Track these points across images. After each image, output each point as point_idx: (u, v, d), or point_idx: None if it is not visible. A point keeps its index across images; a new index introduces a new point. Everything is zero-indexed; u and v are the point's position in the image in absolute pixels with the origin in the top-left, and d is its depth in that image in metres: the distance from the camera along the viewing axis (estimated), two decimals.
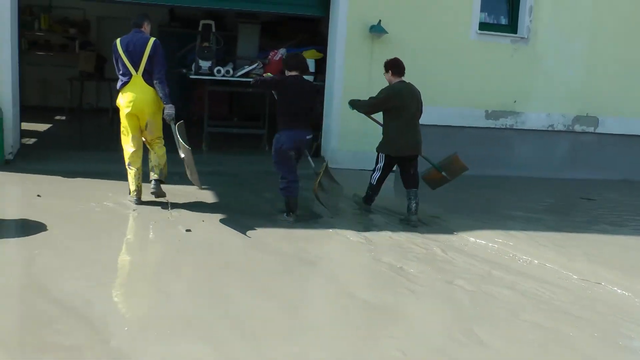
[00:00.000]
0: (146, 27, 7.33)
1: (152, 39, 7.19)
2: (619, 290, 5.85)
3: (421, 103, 7.89)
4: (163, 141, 7.45)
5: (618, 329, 5.01)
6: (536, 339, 4.68)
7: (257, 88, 8.06)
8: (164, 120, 7.32)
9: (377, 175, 7.83)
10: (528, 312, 5.14)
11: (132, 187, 7.32)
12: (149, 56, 7.08)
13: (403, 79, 7.81)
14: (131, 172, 7.29)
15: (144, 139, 7.38)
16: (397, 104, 7.63)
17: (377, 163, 7.86)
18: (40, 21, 15.14)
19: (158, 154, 7.38)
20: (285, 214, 7.25)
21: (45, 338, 4.12)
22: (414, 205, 7.58)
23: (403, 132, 7.65)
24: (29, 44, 14.97)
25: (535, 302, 5.36)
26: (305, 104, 7.28)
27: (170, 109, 7.17)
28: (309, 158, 7.49)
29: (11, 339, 4.15)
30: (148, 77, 7.13)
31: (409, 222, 7.51)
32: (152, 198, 7.30)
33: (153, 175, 7.35)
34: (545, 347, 4.57)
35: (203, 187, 7.97)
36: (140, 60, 7.08)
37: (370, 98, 7.90)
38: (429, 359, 4.22)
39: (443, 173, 8.13)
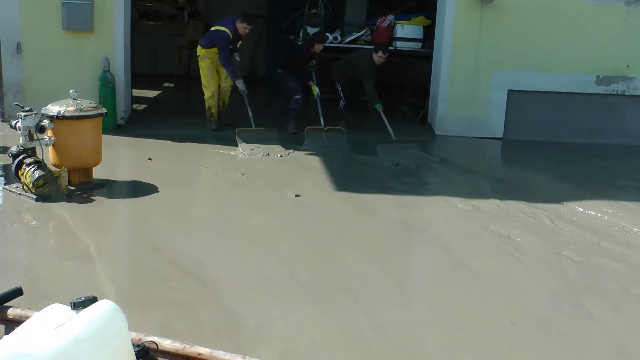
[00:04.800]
0: (238, 23, 9.37)
1: (216, 27, 9.49)
2: None
3: None
4: (206, 92, 9.79)
5: None
6: None
7: None
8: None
9: None
10: (638, 285, 5.10)
11: None
12: (211, 34, 9.57)
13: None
14: None
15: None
16: None
17: None
18: None
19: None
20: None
21: (160, 294, 4.40)
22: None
23: None
24: (139, 14, 15.46)
25: None
26: None
27: (239, 84, 9.47)
28: None
29: (129, 293, 4.42)
30: (202, 42, 9.68)
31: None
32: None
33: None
34: None
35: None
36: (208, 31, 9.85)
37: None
38: (538, 330, 4.29)
39: None
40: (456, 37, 10.31)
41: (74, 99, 6.45)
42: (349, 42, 11.02)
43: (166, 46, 15.21)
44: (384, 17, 11.19)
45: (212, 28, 9.63)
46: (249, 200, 6.62)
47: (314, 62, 10.06)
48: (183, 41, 14.71)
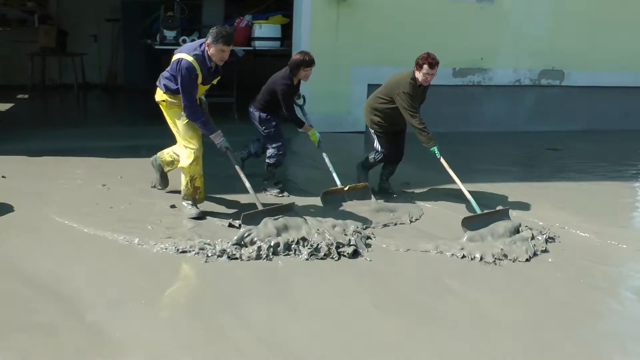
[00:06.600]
0: (209, 46, 5.80)
1: (176, 56, 6.03)
2: (582, 234, 6.16)
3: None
4: (187, 153, 6.21)
5: (583, 269, 5.30)
6: (507, 283, 4.91)
7: None
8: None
9: None
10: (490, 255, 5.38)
11: None
12: (171, 68, 6.05)
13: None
14: None
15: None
16: None
17: None
18: None
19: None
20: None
21: (20, 318, 4.13)
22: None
23: None
24: None
25: None
26: None
27: (216, 139, 6.11)
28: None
29: None
30: (161, 82, 6.16)
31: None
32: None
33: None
34: (517, 291, 4.80)
35: None
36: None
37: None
38: (400, 310, 4.43)
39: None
40: (314, 34, 10.43)
41: None
42: None
43: (17, 54, 14.37)
44: (241, 17, 11.13)
45: (173, 57, 6.09)
46: (110, 212, 6.28)
47: (302, 96, 7.52)
48: (35, 48, 14.04)
